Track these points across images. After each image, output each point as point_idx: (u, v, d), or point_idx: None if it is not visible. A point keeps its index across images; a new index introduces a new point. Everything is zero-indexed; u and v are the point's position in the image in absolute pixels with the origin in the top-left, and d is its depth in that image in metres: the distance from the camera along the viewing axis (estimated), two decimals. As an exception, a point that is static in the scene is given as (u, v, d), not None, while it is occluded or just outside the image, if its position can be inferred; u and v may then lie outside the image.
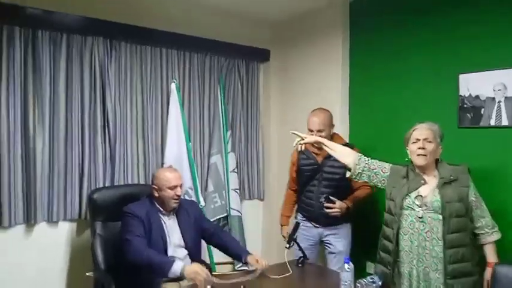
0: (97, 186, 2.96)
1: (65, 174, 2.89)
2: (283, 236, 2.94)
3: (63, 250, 2.94)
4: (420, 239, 2.08)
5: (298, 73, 3.66)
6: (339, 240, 2.79)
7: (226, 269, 3.10)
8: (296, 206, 2.99)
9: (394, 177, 2.23)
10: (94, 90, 2.97)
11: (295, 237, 2.53)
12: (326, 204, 2.67)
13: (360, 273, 2.22)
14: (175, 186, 2.43)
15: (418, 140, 2.12)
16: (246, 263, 2.41)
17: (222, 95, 3.63)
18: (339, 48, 3.28)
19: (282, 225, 3.03)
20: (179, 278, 2.16)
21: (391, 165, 2.29)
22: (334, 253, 2.79)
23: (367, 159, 2.33)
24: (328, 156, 2.63)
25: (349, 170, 2.34)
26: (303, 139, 2.40)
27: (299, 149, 2.49)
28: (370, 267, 2.92)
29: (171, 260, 2.12)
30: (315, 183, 2.77)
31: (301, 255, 2.53)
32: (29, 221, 2.76)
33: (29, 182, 2.73)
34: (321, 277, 2.34)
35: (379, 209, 2.76)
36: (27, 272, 2.79)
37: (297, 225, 2.59)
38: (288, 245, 2.52)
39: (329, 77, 3.35)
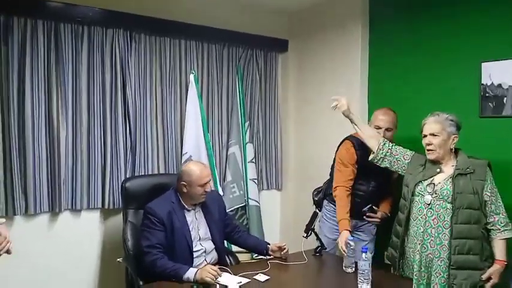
0: (119, 176, 3.04)
1: (88, 164, 2.97)
2: (343, 250, 2.34)
3: (87, 238, 3.03)
4: (426, 225, 2.09)
5: (317, 63, 3.63)
6: (365, 235, 2.72)
7: (245, 258, 3.13)
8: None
9: (413, 165, 2.25)
10: (115, 81, 3.03)
11: (312, 227, 2.54)
12: (368, 214, 2.63)
13: (379, 264, 2.23)
14: (206, 183, 2.40)
15: (425, 135, 2.13)
16: (269, 254, 2.44)
17: (240, 85, 3.64)
18: (358, 38, 3.24)
19: (344, 230, 2.44)
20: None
21: (413, 152, 2.30)
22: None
23: (390, 144, 2.35)
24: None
25: (372, 153, 2.35)
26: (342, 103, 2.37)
27: (334, 109, 2.41)
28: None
29: (185, 269, 2.12)
30: (363, 182, 2.63)
31: (319, 244, 2.54)
32: (54, 209, 2.85)
33: (53, 171, 2.82)
34: (338, 266, 2.35)
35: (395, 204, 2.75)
36: (54, 258, 2.89)
37: (315, 215, 2.60)
38: (305, 235, 2.53)
39: (348, 68, 3.32)
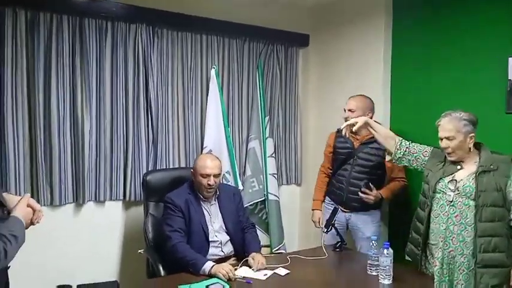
0: (140, 169, 3.09)
1: (111, 157, 3.02)
2: (314, 221, 2.99)
3: (110, 229, 3.09)
4: (448, 223, 2.06)
5: (338, 58, 3.60)
6: (368, 226, 2.78)
7: (264, 252, 3.15)
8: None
9: (433, 161, 2.21)
10: (137, 76, 3.07)
11: (333, 222, 2.54)
12: (363, 189, 2.66)
13: (399, 260, 2.21)
14: (208, 175, 2.40)
15: (441, 138, 2.09)
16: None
17: (261, 80, 3.64)
18: (381, 32, 3.20)
19: (313, 210, 3.02)
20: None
21: (432, 148, 2.26)
22: (362, 238, 2.78)
23: (407, 143, 2.31)
24: (366, 143, 2.63)
25: (390, 154, 2.33)
26: (354, 125, 2.35)
27: (347, 135, 2.51)
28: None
29: (203, 262, 2.16)
30: (347, 167, 2.78)
31: (339, 240, 2.54)
32: (78, 200, 2.92)
33: (78, 163, 2.89)
34: (358, 262, 2.35)
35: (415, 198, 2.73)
36: (78, 248, 2.96)
37: (335, 210, 2.59)
38: (325, 230, 2.54)
39: (370, 61, 3.29)
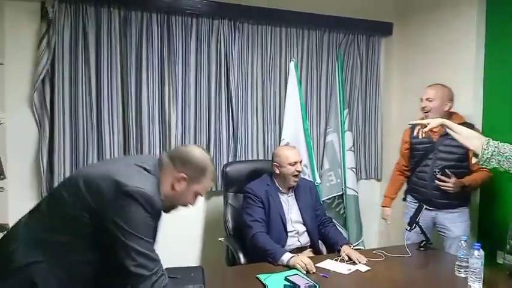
0: (221, 160, 3.19)
1: (194, 148, 3.16)
2: (384, 219, 2.96)
3: (193, 216, 3.23)
4: None
5: (424, 47, 3.40)
6: (456, 225, 2.60)
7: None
8: (404, 188, 2.89)
9: None
10: (219, 70, 3.18)
11: (417, 219, 2.42)
12: (439, 176, 2.50)
13: (489, 262, 2.05)
14: (296, 163, 2.50)
15: None
16: (338, 251, 2.33)
17: (340, 72, 3.57)
18: (473, 19, 2.95)
19: (383, 207, 2.97)
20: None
21: None
22: (451, 238, 2.61)
23: (496, 142, 2.05)
24: (445, 134, 2.42)
25: (476, 155, 2.11)
26: (426, 125, 2.15)
27: (420, 136, 2.27)
28: (501, 256, 2.67)
29: (282, 252, 2.18)
30: (428, 162, 2.63)
31: (423, 239, 2.42)
32: (165, 188, 3.10)
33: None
34: (444, 263, 2.22)
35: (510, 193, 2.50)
36: (163, 235, 3.13)
37: (420, 207, 2.46)
38: (409, 228, 2.43)
39: (460, 52, 3.05)
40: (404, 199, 2.90)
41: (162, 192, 1.54)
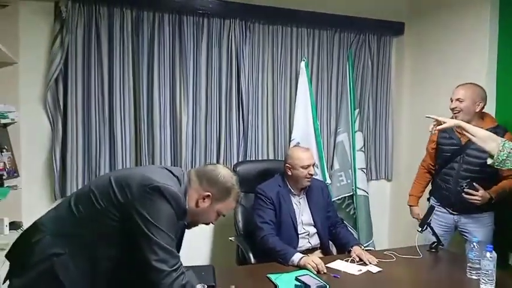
0: (231, 160, 3.20)
1: (205, 147, 3.19)
2: (415, 218, 2.79)
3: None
4: None
5: (436, 46, 3.37)
6: (479, 230, 2.53)
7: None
8: (429, 188, 2.81)
9: None
10: (230, 70, 3.19)
11: (429, 221, 2.40)
12: (467, 190, 2.41)
13: (502, 264, 2.03)
14: (309, 166, 2.47)
15: None
16: (349, 252, 2.32)
17: (351, 72, 3.55)
18: (486, 20, 2.92)
19: (410, 206, 2.87)
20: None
21: None
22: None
23: (511, 143, 2.04)
24: None
25: (492, 157, 2.09)
26: (441, 123, 2.13)
27: (432, 132, 2.22)
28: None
29: (292, 253, 2.17)
30: (454, 166, 2.54)
31: (435, 240, 2.40)
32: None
33: (176, 151, 3.09)
34: (456, 264, 2.19)
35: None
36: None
37: (432, 208, 2.45)
38: (420, 229, 2.41)
39: (472, 51, 3.02)
40: (428, 199, 2.80)
41: (187, 207, 1.60)
